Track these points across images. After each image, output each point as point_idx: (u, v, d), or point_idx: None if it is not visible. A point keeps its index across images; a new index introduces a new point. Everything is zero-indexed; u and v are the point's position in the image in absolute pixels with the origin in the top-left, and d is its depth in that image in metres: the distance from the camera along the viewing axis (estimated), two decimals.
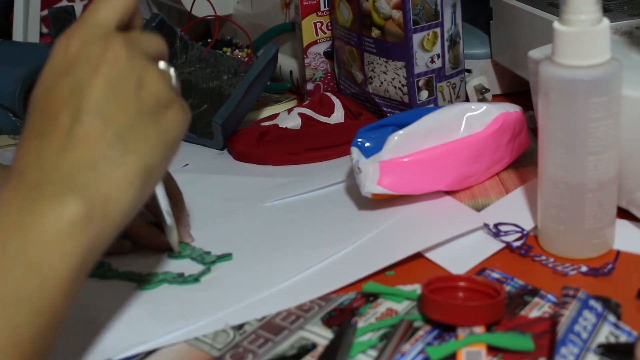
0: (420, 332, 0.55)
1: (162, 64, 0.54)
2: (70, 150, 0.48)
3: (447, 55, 0.84)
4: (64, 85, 0.49)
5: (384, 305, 0.59)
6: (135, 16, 0.55)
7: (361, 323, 0.57)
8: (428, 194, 0.71)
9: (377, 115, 0.88)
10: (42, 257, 0.46)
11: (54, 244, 0.46)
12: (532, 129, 0.79)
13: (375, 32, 0.84)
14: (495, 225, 0.66)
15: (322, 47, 0.94)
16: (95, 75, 0.49)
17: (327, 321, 0.57)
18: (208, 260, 0.66)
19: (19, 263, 0.45)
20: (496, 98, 0.93)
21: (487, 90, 0.90)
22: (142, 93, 0.51)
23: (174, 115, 0.53)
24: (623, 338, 0.53)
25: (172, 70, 0.55)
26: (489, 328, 0.55)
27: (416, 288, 0.60)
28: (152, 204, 0.65)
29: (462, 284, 0.58)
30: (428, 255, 0.65)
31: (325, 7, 0.93)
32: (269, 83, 0.94)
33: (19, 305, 0.44)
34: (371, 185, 0.69)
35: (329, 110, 0.88)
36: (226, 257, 0.67)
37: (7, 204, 0.47)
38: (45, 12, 1.12)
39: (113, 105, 0.49)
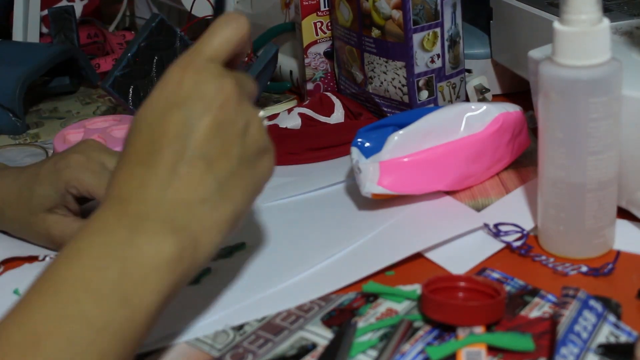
0: (420, 332, 0.55)
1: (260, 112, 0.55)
2: (173, 189, 0.50)
3: (447, 55, 0.84)
4: (174, 119, 0.50)
5: (384, 305, 0.59)
6: (241, 52, 0.55)
7: (361, 323, 0.57)
8: (428, 194, 0.71)
9: (377, 115, 0.88)
10: (137, 290, 0.47)
11: (148, 279, 0.48)
12: (532, 129, 0.79)
13: (375, 32, 0.84)
14: (495, 225, 0.66)
15: (322, 47, 0.94)
16: (205, 115, 0.50)
17: (327, 321, 0.57)
18: (223, 253, 0.66)
19: (115, 292, 0.47)
20: (496, 98, 0.93)
21: (487, 90, 0.90)
22: (246, 139, 0.52)
23: (267, 163, 0.54)
24: (623, 338, 0.53)
25: (262, 113, 0.55)
26: (489, 328, 0.55)
27: (416, 288, 0.60)
28: None
29: (462, 284, 0.58)
30: (428, 255, 0.65)
31: (325, 7, 0.93)
32: (269, 83, 0.94)
33: (109, 332, 0.46)
34: (371, 185, 0.69)
35: (329, 110, 0.88)
36: (240, 246, 0.67)
37: (111, 232, 0.49)
38: (45, 12, 1.12)
39: (218, 149, 0.51)
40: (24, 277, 0.65)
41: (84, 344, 0.45)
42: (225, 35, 0.52)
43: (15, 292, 0.64)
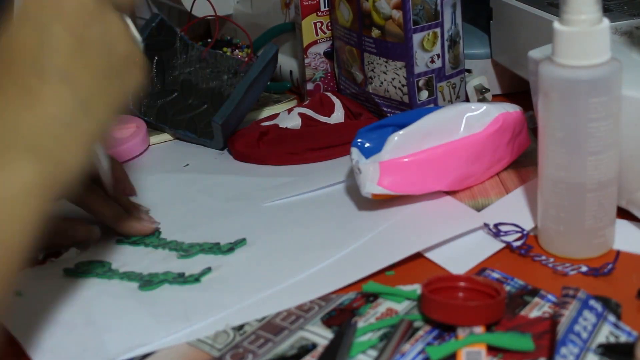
0: (420, 332, 0.55)
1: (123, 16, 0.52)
2: (32, 110, 0.47)
3: (447, 55, 0.84)
4: (26, 32, 0.47)
5: (384, 305, 0.59)
6: None
7: (361, 323, 0.57)
8: (428, 194, 0.71)
9: (377, 115, 0.88)
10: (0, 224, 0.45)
11: (9, 213, 0.46)
12: (532, 129, 0.79)
13: (375, 32, 0.84)
14: (495, 225, 0.66)
15: (322, 47, 0.94)
16: (63, 29, 0.47)
17: (327, 321, 0.57)
18: (225, 249, 0.66)
19: None
20: (496, 98, 0.93)
21: (487, 90, 0.90)
22: (111, 52, 0.49)
23: (134, 73, 0.52)
24: (623, 338, 0.53)
25: (130, 22, 0.52)
26: (489, 328, 0.55)
27: (416, 288, 0.60)
28: None
29: (462, 284, 0.58)
30: (428, 255, 0.65)
31: (325, 7, 0.93)
32: (269, 83, 0.94)
33: None
34: (371, 186, 0.69)
35: (329, 110, 0.88)
36: (241, 242, 0.67)
37: None
38: None
39: (80, 65, 0.48)
40: (25, 281, 0.65)
41: None
42: None
43: (17, 294, 0.64)
